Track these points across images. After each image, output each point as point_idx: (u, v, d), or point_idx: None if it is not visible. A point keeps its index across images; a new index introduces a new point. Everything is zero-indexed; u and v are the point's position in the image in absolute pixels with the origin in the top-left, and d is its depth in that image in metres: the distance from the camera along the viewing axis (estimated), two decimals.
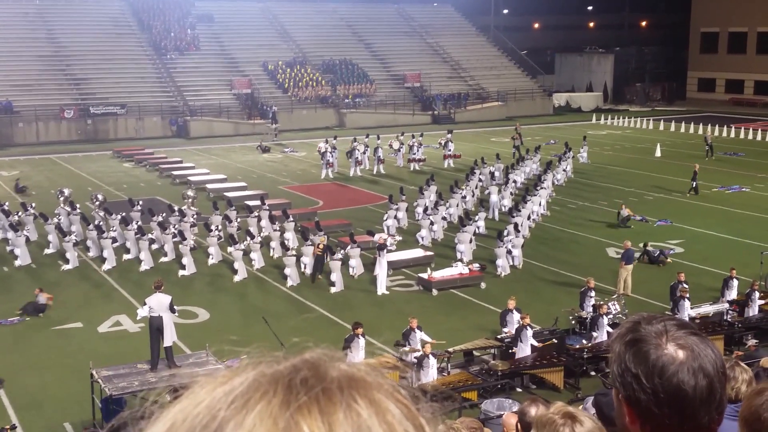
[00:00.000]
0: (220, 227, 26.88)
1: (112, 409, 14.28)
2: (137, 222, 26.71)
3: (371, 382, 0.96)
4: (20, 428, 15.52)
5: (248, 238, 25.22)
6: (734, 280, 21.01)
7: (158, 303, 16.77)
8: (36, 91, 53.02)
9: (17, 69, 53.74)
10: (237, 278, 23.97)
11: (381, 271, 23.24)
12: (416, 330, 17.45)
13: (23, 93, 52.42)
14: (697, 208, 33.08)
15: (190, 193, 30.99)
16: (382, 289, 23.02)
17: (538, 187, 31.98)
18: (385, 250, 23.58)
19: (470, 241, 25.80)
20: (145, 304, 17.13)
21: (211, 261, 25.38)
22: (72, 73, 55.65)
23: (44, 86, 53.80)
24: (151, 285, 18.13)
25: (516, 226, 25.95)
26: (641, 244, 26.05)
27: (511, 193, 32.47)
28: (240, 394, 0.94)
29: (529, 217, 29.11)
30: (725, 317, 19.88)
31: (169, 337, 16.55)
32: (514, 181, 34.47)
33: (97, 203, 29.60)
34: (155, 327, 16.48)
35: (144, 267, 24.90)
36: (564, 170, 38.39)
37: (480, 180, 34.81)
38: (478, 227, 28.04)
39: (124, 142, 50.75)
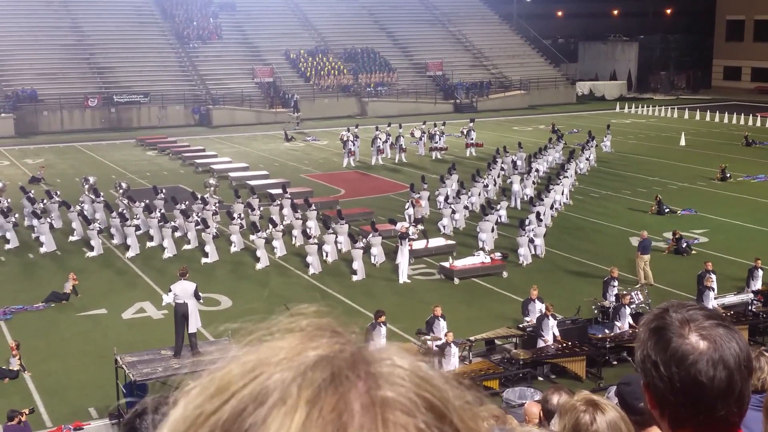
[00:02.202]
0: (242, 215, 27.01)
1: (136, 395, 14.41)
2: (160, 210, 26.89)
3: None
4: (45, 412, 15.72)
5: (270, 226, 25.33)
6: (759, 270, 20.80)
7: (183, 290, 16.87)
8: (60, 80, 53.42)
9: (41, 58, 54.16)
10: (259, 266, 24.07)
11: (403, 259, 23.25)
12: (440, 318, 17.46)
13: (47, 81, 52.83)
14: (722, 198, 32.77)
15: (212, 181, 31.15)
16: (403, 277, 23.04)
17: (561, 176, 31.80)
18: (406, 239, 23.58)
19: (492, 230, 25.75)
20: (170, 291, 17.24)
21: (233, 249, 25.51)
22: (96, 61, 56.00)
23: (68, 75, 54.19)
24: (175, 272, 18.27)
25: (538, 215, 25.84)
26: (671, 233, 26.01)
27: (534, 182, 32.33)
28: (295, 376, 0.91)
29: (552, 206, 28.99)
30: (750, 307, 19.72)
31: (194, 324, 16.66)
32: (537, 170, 34.30)
33: (121, 191, 29.81)
34: (180, 314, 16.58)
35: (167, 254, 25.08)
36: (587, 159, 38.15)
37: (502, 169, 34.69)
38: (500, 216, 27.95)
39: (147, 130, 51.03)
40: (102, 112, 52.79)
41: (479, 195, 30.39)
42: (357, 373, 0.90)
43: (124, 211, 26.96)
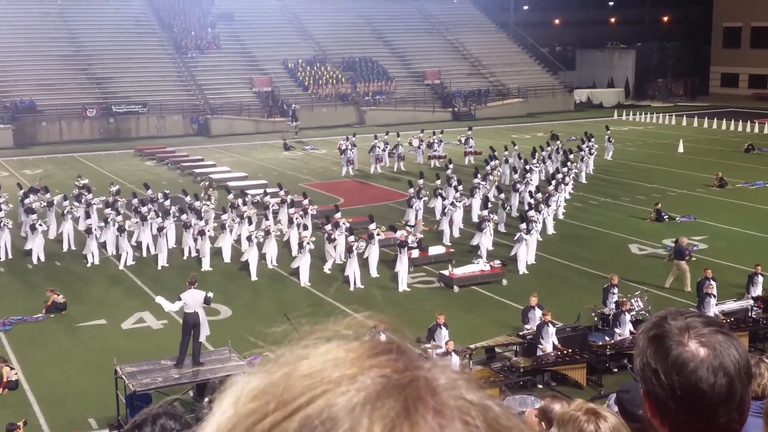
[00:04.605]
0: (236, 219, 26.73)
1: (136, 405, 14.38)
2: (154, 211, 26.72)
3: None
4: (44, 423, 15.67)
5: (266, 234, 25.13)
6: (759, 276, 20.79)
7: (193, 299, 16.75)
8: (58, 91, 53.47)
9: (40, 69, 54.22)
10: (254, 277, 23.94)
11: (402, 268, 23.22)
12: (442, 327, 17.43)
13: (46, 92, 52.88)
14: (721, 204, 32.79)
15: (206, 183, 31.03)
16: (403, 286, 23.01)
17: (560, 183, 31.55)
18: (406, 247, 23.55)
19: (489, 237, 25.76)
20: (179, 299, 17.09)
21: (227, 259, 25.40)
22: (94, 72, 56.07)
23: (67, 85, 54.25)
24: (173, 281, 18.20)
25: (529, 219, 25.69)
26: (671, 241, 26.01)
27: (530, 192, 32.17)
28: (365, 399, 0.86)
29: (550, 213, 28.84)
30: (749, 314, 19.71)
31: (203, 333, 16.59)
32: (531, 169, 34.02)
33: (111, 199, 29.62)
34: (191, 323, 16.35)
35: (162, 263, 24.95)
36: (586, 165, 38.05)
37: (498, 174, 34.41)
38: (498, 224, 27.95)
39: (146, 140, 51.06)
40: (100, 122, 52.83)
41: (479, 200, 30.20)
42: (426, 407, 0.85)
43: (121, 221, 26.61)
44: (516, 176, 33.81)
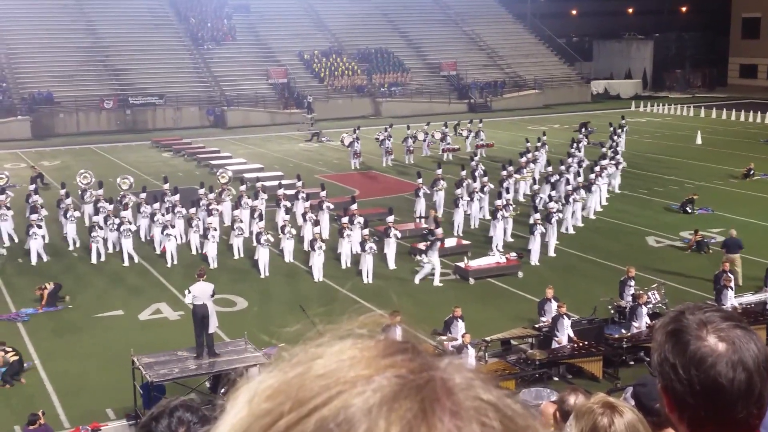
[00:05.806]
0: (243, 222, 26.51)
1: (153, 396, 14.46)
2: (165, 209, 26.75)
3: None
4: (62, 413, 15.80)
5: (281, 233, 25.07)
6: None
7: (201, 291, 16.87)
8: (76, 82, 53.75)
9: (57, 60, 54.52)
10: (263, 274, 23.80)
11: (431, 263, 23.09)
12: (459, 319, 17.40)
13: (63, 84, 53.17)
14: (739, 196, 32.54)
15: (223, 180, 30.91)
16: (435, 282, 22.87)
17: (598, 176, 30.51)
18: (437, 245, 23.32)
19: (505, 230, 25.70)
20: (188, 291, 17.23)
21: (240, 254, 25.30)
22: (111, 64, 56.30)
23: (84, 77, 54.51)
24: (182, 275, 18.24)
25: (549, 211, 25.53)
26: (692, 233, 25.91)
27: (552, 184, 31.81)
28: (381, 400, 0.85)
29: (578, 206, 28.46)
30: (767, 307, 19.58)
31: (213, 325, 16.69)
32: (569, 162, 33.42)
33: (120, 195, 29.51)
34: (200, 315, 16.53)
35: (172, 259, 24.88)
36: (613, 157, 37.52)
37: (532, 169, 33.93)
38: (517, 215, 27.83)
39: (163, 132, 51.27)
40: (117, 114, 53.08)
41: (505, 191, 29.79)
42: (443, 408, 0.85)
43: (121, 219, 26.17)
44: (549, 168, 33.26)
